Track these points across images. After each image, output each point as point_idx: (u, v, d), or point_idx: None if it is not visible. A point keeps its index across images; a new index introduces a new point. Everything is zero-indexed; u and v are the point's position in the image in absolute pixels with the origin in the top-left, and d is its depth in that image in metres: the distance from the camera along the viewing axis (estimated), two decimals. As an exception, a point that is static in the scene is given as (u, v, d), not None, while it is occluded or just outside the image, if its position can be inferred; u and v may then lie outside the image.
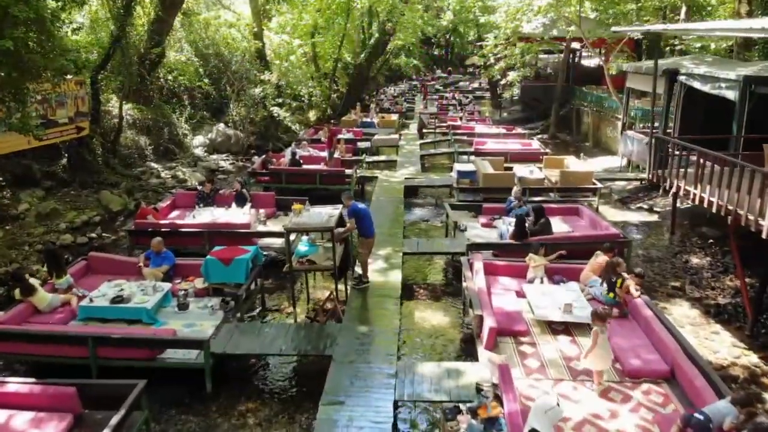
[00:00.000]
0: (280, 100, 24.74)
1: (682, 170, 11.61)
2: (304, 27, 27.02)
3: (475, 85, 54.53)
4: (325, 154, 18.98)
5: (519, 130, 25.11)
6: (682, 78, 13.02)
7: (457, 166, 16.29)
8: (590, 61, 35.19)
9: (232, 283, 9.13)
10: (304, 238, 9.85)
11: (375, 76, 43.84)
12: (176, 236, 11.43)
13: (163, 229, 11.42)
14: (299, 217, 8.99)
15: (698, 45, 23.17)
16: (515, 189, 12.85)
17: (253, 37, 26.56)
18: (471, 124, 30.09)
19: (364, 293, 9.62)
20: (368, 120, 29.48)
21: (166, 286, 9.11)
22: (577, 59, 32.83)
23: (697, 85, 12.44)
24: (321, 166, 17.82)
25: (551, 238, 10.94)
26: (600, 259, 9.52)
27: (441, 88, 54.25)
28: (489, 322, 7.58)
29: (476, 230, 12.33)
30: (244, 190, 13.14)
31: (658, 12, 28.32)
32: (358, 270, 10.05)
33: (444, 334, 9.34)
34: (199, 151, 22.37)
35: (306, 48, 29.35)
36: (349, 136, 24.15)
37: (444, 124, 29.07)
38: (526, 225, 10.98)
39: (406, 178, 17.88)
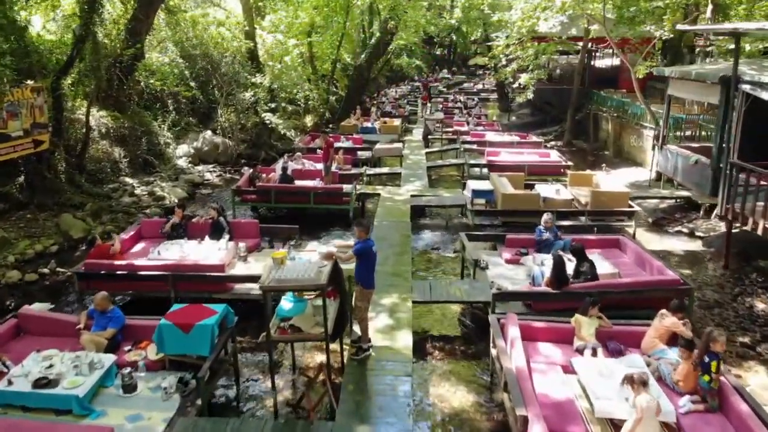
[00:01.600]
0: (273, 105, 22.65)
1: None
2: (300, 26, 24.94)
3: (480, 86, 52.42)
4: (321, 166, 16.87)
5: (534, 138, 23.00)
6: (745, 87, 10.93)
7: (471, 184, 14.19)
8: (603, 63, 33.12)
9: (194, 355, 7.04)
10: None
11: (376, 77, 41.75)
12: (135, 280, 9.35)
13: (118, 272, 9.33)
14: (280, 271, 6.90)
15: (731, 46, 21.02)
16: (546, 217, 10.75)
17: (244, 36, 24.48)
18: (480, 130, 28.06)
19: (365, 364, 7.52)
20: (369, 125, 27.38)
21: (108, 360, 7.01)
22: (591, 61, 30.69)
23: (766, 96, 10.35)
24: (316, 183, 15.73)
25: (596, 285, 8.85)
26: (667, 321, 7.43)
27: (444, 89, 52.14)
28: (537, 429, 5.48)
29: (500, 268, 10.24)
30: (222, 218, 11.04)
31: (682, 10, 26.20)
32: (356, 329, 7.96)
33: (468, 420, 7.23)
34: (182, 162, 20.27)
35: (302, 48, 27.26)
36: (348, 144, 22.07)
37: (450, 129, 26.98)
38: (566, 267, 8.88)
39: (412, 196, 15.78)
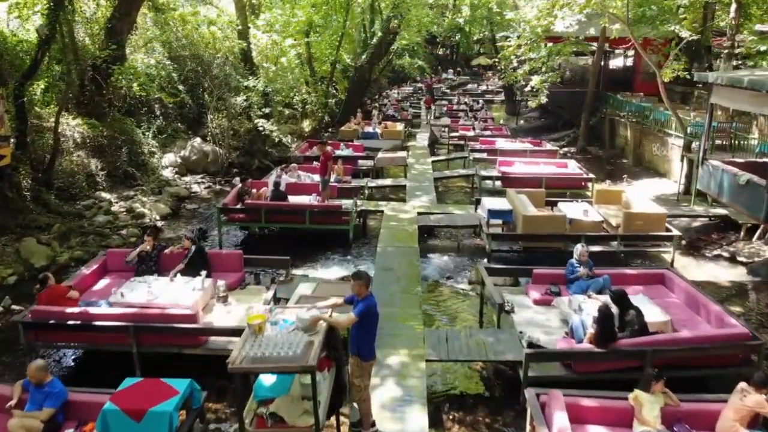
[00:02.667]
0: (268, 110, 21.04)
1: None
2: (298, 24, 23.31)
3: (484, 87, 50.80)
4: (318, 178, 15.24)
5: (548, 145, 21.37)
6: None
7: (487, 203, 12.57)
8: (616, 65, 31.53)
9: (148, 449, 5.44)
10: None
11: (377, 79, 40.12)
12: (91, 331, 7.76)
13: (71, 321, 7.73)
14: (256, 344, 5.30)
15: (762, 47, 19.43)
16: (581, 249, 9.16)
17: (237, 36, 22.86)
18: (487, 135, 26.44)
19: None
20: (370, 130, 25.78)
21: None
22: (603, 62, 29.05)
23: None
24: (312, 199, 14.10)
25: (649, 342, 7.26)
26: (751, 401, 5.84)
27: (447, 90, 50.49)
28: None
29: (527, 312, 8.65)
30: (198, 250, 9.44)
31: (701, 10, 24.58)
32: (356, 407, 6.34)
33: None
34: (168, 173, 18.66)
35: (300, 48, 25.64)
36: (348, 152, 20.46)
37: (455, 134, 25.36)
38: (613, 319, 7.28)
39: (419, 213, 14.17)
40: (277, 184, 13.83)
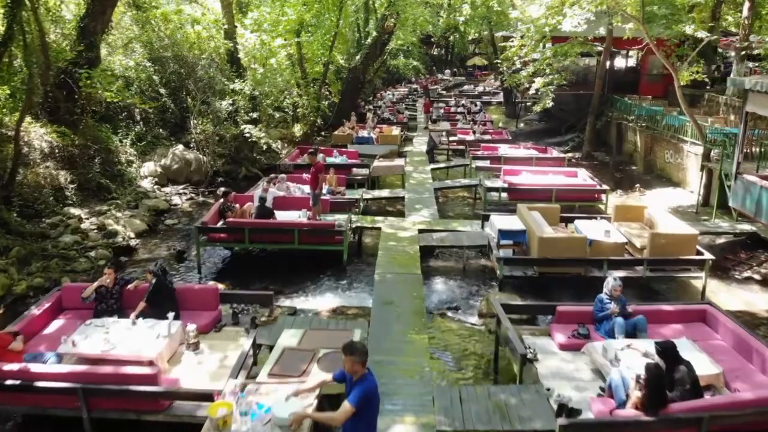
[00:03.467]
0: (255, 115, 19.71)
1: None
2: (288, 23, 21.97)
3: (481, 88, 49.59)
4: (309, 190, 13.91)
5: (555, 152, 20.12)
6: None
7: (497, 221, 11.31)
8: (620, 66, 30.35)
9: None
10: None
11: (371, 80, 38.86)
12: (34, 393, 6.42)
13: (9, 381, 6.40)
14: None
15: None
16: (613, 282, 7.90)
17: (223, 36, 21.51)
18: (487, 139, 25.21)
19: None
20: (365, 134, 24.50)
21: None
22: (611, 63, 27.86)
23: None
24: (302, 215, 12.78)
25: (707, 407, 6.01)
26: None
27: (444, 92, 49.27)
28: None
29: (553, 359, 7.38)
30: (163, 285, 8.12)
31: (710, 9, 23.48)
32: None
33: None
34: (147, 184, 17.29)
35: (291, 49, 24.32)
36: (341, 159, 19.18)
37: (454, 139, 24.09)
38: (664, 381, 6.02)
39: (420, 231, 12.88)
40: (262, 200, 12.50)
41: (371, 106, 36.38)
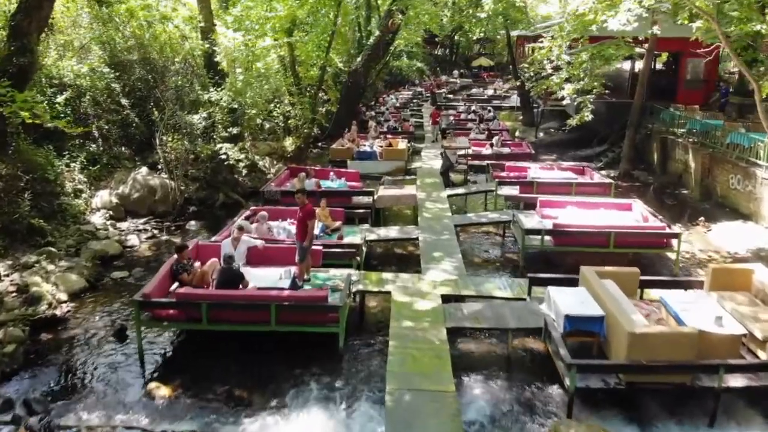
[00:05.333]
0: (236, 130, 16.36)
1: None
2: (277, 19, 18.61)
3: (491, 91, 46.18)
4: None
5: (597, 175, 16.70)
6: None
7: (559, 299, 7.96)
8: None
9: None
10: None
11: (374, 82, 35.52)
12: None
13: None
14: None
15: None
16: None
17: (201, 35, 18.17)
18: (507, 155, 21.95)
19: None
20: (367, 149, 21.22)
21: None
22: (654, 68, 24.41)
23: None
24: (283, 279, 9.44)
25: None
26: None
27: (451, 96, 45.89)
28: None
29: None
30: None
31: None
32: None
33: None
34: (98, 219, 13.98)
35: (282, 50, 20.99)
36: (339, 184, 15.89)
37: (465, 148, 20.65)
38: None
39: (443, 298, 9.54)
40: (228, 260, 9.13)
41: (373, 113, 33.06)
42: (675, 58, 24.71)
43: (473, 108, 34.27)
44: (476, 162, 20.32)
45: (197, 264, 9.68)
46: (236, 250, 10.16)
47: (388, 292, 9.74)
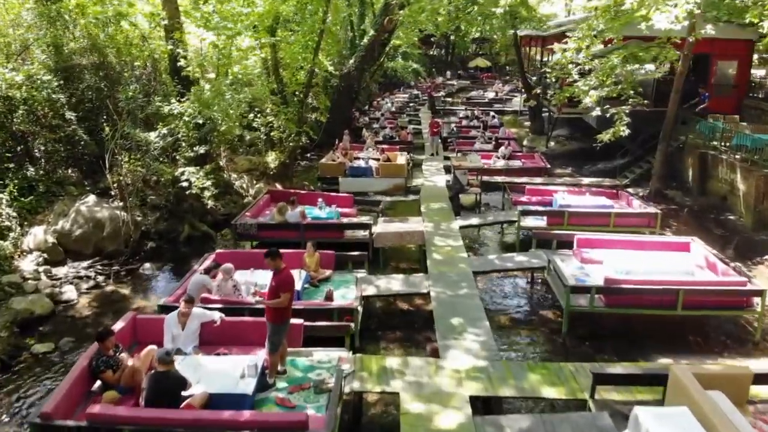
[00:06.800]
0: (203, 149, 13.59)
1: None
2: (255, 16, 15.83)
3: (491, 94, 43.53)
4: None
5: (637, 202, 14.03)
6: None
7: (653, 427, 5.29)
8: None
9: None
10: None
11: (367, 85, 32.79)
12: None
13: None
14: None
15: None
16: None
17: (165, 35, 15.38)
18: (518, 169, 19.41)
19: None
20: (361, 163, 18.57)
21: None
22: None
23: None
24: (246, 377, 6.70)
25: None
26: None
27: (449, 99, 43.21)
28: None
29: None
30: None
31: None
32: None
33: None
34: (29, 265, 11.20)
35: (264, 52, 18.23)
36: (329, 213, 13.20)
37: (473, 167, 17.98)
38: None
39: (473, 407, 6.81)
40: (166, 360, 6.30)
41: (367, 118, 30.31)
42: (703, 62, 22.15)
43: (476, 113, 31.63)
44: (486, 177, 17.74)
45: (123, 355, 6.90)
46: (184, 330, 7.44)
47: (395, 393, 7.02)
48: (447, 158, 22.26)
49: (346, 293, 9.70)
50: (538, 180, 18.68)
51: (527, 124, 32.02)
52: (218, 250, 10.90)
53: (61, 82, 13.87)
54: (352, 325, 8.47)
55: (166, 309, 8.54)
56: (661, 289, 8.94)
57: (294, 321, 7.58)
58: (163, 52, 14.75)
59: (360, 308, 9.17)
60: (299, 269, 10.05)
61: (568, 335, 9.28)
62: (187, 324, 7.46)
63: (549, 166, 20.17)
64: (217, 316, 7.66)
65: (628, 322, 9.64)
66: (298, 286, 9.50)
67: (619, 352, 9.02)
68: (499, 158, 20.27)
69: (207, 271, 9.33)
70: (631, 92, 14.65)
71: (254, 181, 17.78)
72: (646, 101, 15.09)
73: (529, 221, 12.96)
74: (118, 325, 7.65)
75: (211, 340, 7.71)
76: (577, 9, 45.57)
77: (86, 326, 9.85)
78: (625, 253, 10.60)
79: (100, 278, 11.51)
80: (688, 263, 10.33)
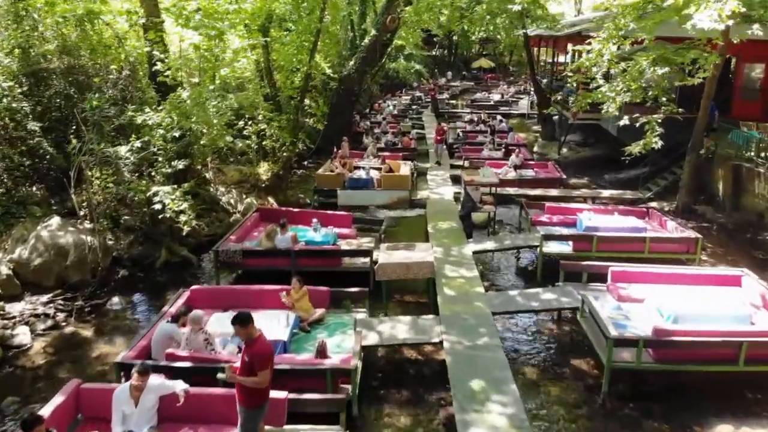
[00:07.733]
0: (182, 164, 12.03)
1: None
2: (243, 13, 14.29)
3: (497, 96, 41.91)
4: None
5: (672, 225, 12.43)
6: None
7: None
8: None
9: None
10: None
11: (368, 87, 31.26)
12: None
13: None
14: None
15: None
16: None
17: (143, 34, 13.83)
18: (531, 180, 17.94)
19: None
20: (361, 173, 17.08)
21: None
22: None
23: None
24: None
25: None
26: None
27: (453, 101, 41.60)
28: None
29: None
30: None
31: None
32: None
33: None
34: (-25, 301, 9.67)
35: (255, 53, 16.69)
36: (325, 237, 11.71)
37: (483, 181, 16.42)
38: None
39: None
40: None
41: (368, 122, 28.73)
42: (728, 64, 20.60)
43: (483, 117, 30.06)
44: (498, 189, 16.20)
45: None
46: (137, 407, 5.90)
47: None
48: (453, 167, 20.79)
49: (343, 341, 8.17)
50: (554, 192, 17.21)
51: (535, 128, 30.50)
52: (193, 287, 9.33)
53: (25, 89, 12.34)
54: (349, 390, 6.93)
55: (124, 367, 7.04)
56: (721, 341, 7.39)
57: (275, 395, 6.05)
58: (140, 54, 13.20)
59: (359, 364, 7.64)
60: (287, 311, 8.54)
61: (609, 395, 7.74)
62: (141, 399, 5.92)
63: (564, 176, 18.64)
64: (179, 388, 6.10)
65: (677, 377, 8.11)
66: (285, 334, 8.04)
67: (669, 415, 7.50)
68: (510, 168, 18.74)
69: (175, 318, 7.79)
70: (664, 99, 13.10)
71: (244, 195, 16.22)
72: (681, 109, 13.51)
73: (553, 246, 11.41)
74: (57, 399, 6.13)
75: (172, 416, 6.17)
76: (587, 9, 44.16)
77: (37, 380, 8.32)
78: (667, 289, 9.07)
79: (60, 316, 9.97)
80: (741, 302, 8.83)
